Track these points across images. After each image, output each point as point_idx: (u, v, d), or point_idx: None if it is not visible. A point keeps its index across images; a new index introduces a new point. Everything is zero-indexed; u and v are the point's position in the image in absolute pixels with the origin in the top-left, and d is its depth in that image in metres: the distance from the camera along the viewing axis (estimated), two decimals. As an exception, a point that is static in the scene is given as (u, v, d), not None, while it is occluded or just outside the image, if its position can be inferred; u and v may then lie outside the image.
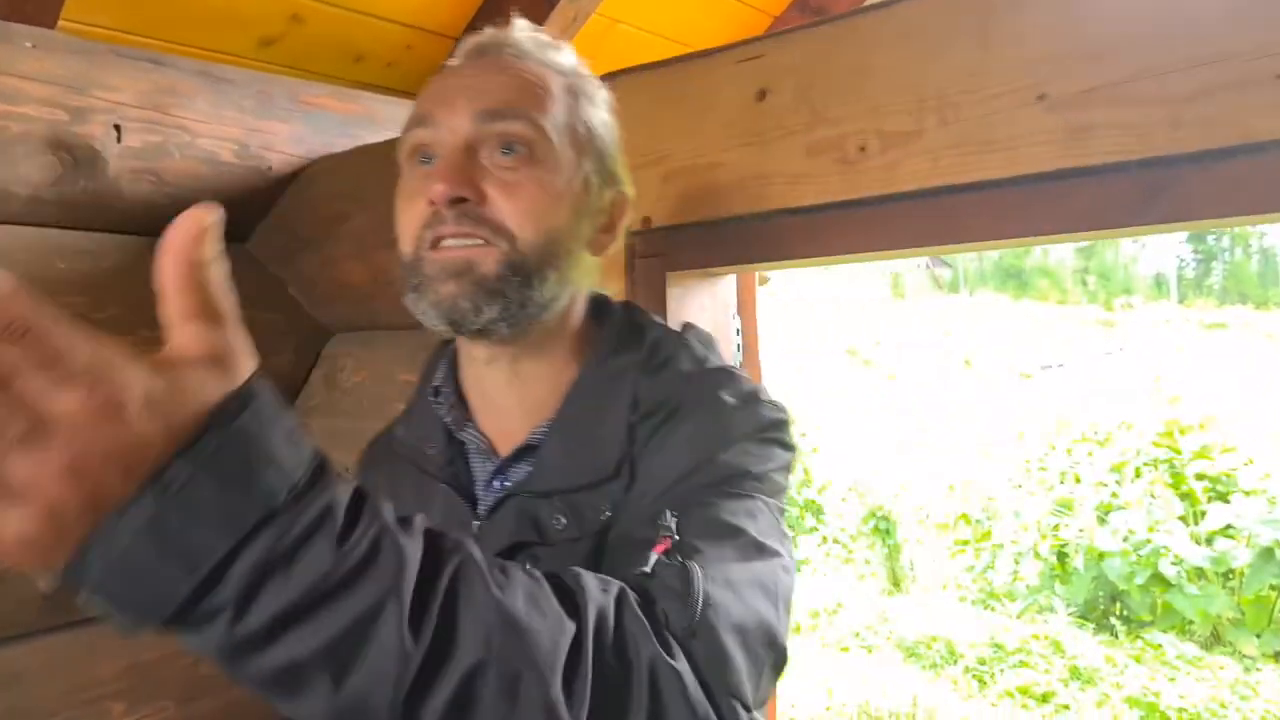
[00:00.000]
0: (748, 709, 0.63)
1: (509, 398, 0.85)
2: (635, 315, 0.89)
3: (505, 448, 0.85)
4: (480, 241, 0.76)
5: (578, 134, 0.82)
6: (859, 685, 4.61)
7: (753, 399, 0.80)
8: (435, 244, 0.77)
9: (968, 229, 1.00)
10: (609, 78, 1.41)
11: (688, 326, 0.92)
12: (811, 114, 1.12)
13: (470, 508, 0.84)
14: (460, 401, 0.88)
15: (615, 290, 1.32)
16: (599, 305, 0.90)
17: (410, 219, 0.80)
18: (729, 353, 1.39)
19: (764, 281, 2.67)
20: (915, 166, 1.04)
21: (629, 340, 0.85)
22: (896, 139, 1.05)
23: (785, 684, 4.74)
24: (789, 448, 0.80)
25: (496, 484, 0.85)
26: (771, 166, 1.15)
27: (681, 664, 0.58)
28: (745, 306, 1.44)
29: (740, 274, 1.38)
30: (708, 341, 0.89)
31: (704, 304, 1.34)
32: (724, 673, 0.61)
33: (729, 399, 0.78)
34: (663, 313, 1.27)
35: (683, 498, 0.71)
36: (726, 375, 0.83)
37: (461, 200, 0.75)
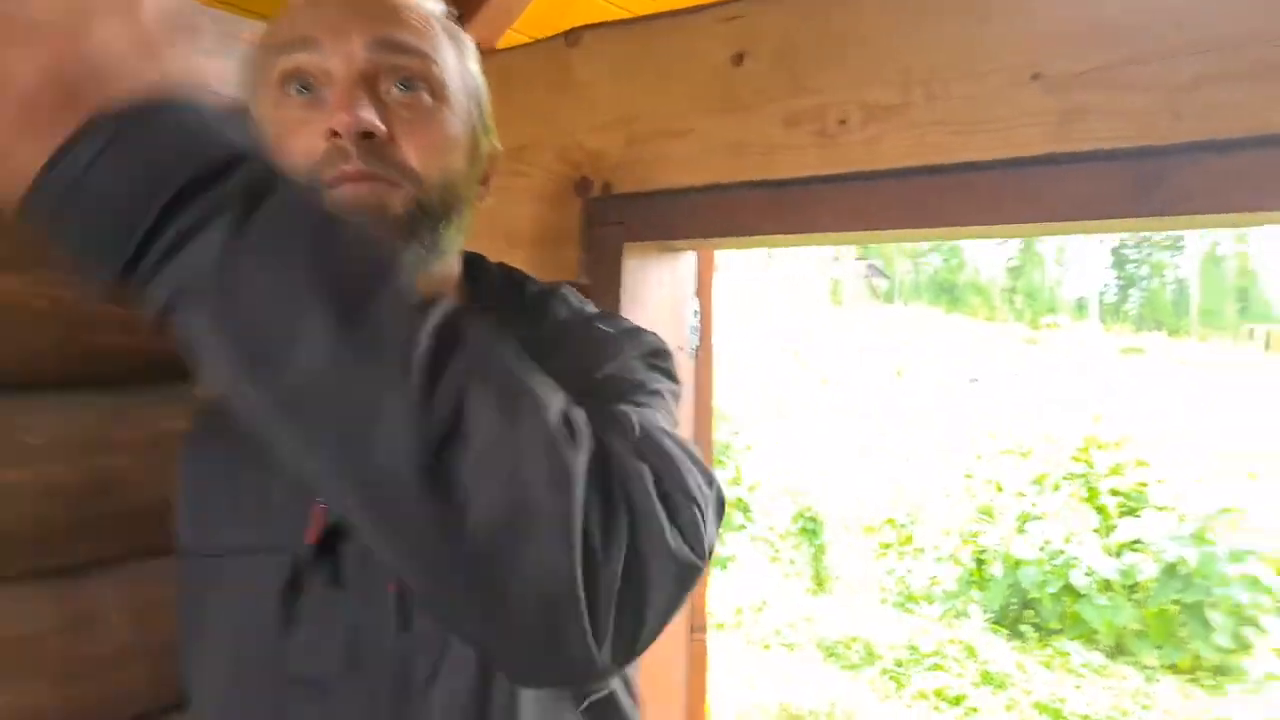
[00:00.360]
0: (703, 535, 0.57)
1: None
2: (512, 273, 0.86)
3: None
4: (388, 182, 0.69)
5: (465, 79, 0.77)
6: (780, 684, 4.61)
7: (634, 330, 0.77)
8: (336, 182, 0.68)
9: (951, 212, 0.94)
10: (573, 34, 1.33)
11: (561, 285, 0.86)
12: (791, 81, 1.05)
13: None
14: None
15: (569, 259, 1.24)
16: (472, 262, 0.84)
17: (298, 152, 0.70)
18: (684, 335, 1.32)
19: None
20: (898, 143, 0.98)
21: (507, 296, 0.81)
22: (880, 113, 0.99)
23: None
24: (675, 380, 0.75)
25: None
26: (745, 135, 1.08)
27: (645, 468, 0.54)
28: (704, 288, 1.37)
29: (701, 251, 1.31)
30: (584, 299, 0.85)
31: (662, 279, 1.26)
32: (682, 482, 0.56)
33: (608, 329, 0.76)
34: (617, 286, 1.19)
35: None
36: (604, 315, 0.81)
37: (369, 135, 0.68)
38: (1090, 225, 0.89)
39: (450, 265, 0.79)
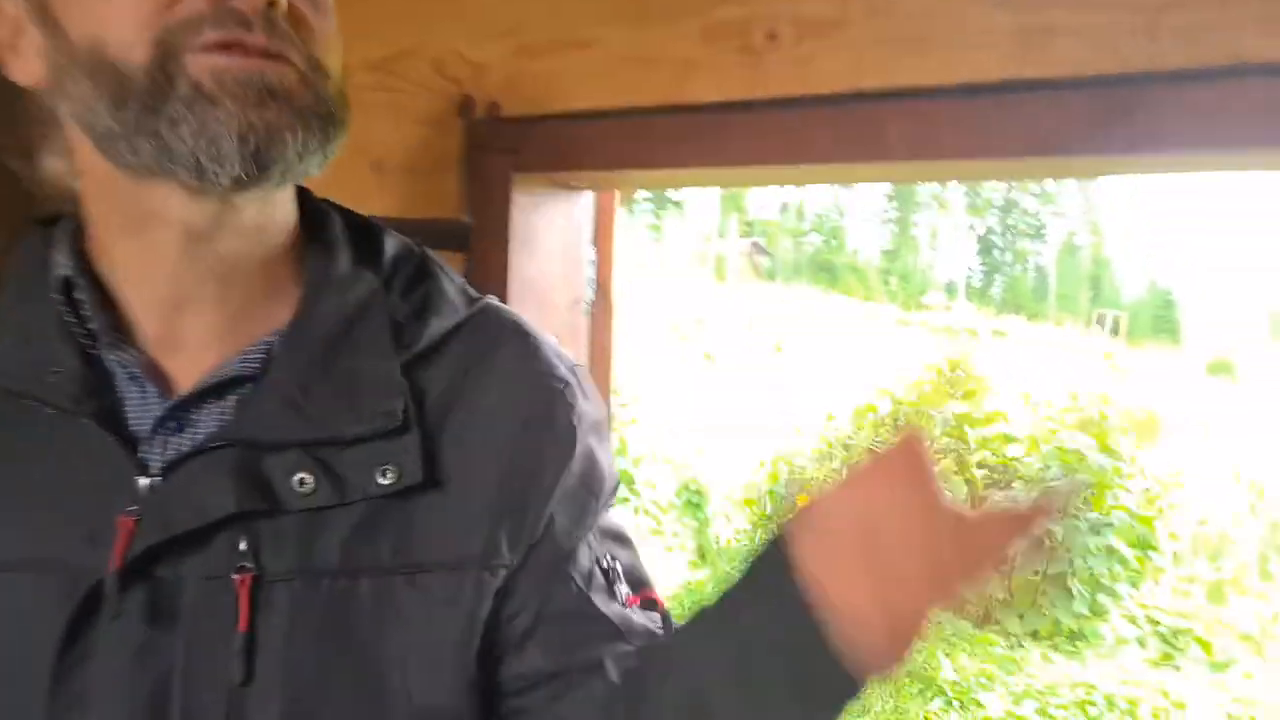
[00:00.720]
0: None
1: (203, 305, 0.58)
2: (354, 217, 0.67)
3: (185, 378, 0.58)
4: (292, 66, 0.54)
5: None
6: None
7: (574, 370, 0.66)
8: (217, 50, 0.52)
9: (892, 143, 0.82)
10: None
11: (436, 258, 0.69)
12: (712, -12, 0.91)
13: (130, 459, 0.56)
14: (104, 306, 0.59)
15: (447, 193, 1.06)
16: (315, 211, 0.65)
17: (145, 9, 0.52)
18: (579, 286, 1.16)
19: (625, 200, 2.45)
20: (834, 63, 0.85)
21: (361, 248, 0.64)
22: (814, 28, 0.86)
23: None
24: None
25: (175, 429, 0.58)
26: (657, 50, 0.93)
27: None
28: (603, 234, 1.22)
29: (600, 191, 1.15)
30: (464, 283, 0.69)
31: (555, 222, 1.10)
32: None
33: (557, 369, 0.65)
34: (505, 227, 1.03)
35: (570, 509, 0.63)
36: (518, 327, 0.67)
37: (272, 6, 0.52)
38: (1048, 164, 0.79)
39: (286, 208, 0.61)
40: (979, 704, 4.27)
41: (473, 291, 0.67)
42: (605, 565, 0.64)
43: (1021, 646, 5.13)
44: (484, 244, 1.02)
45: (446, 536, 0.59)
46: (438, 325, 0.61)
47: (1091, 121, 0.75)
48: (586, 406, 0.65)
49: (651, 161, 0.93)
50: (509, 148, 1.00)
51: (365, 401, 0.58)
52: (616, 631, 0.62)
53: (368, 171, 1.08)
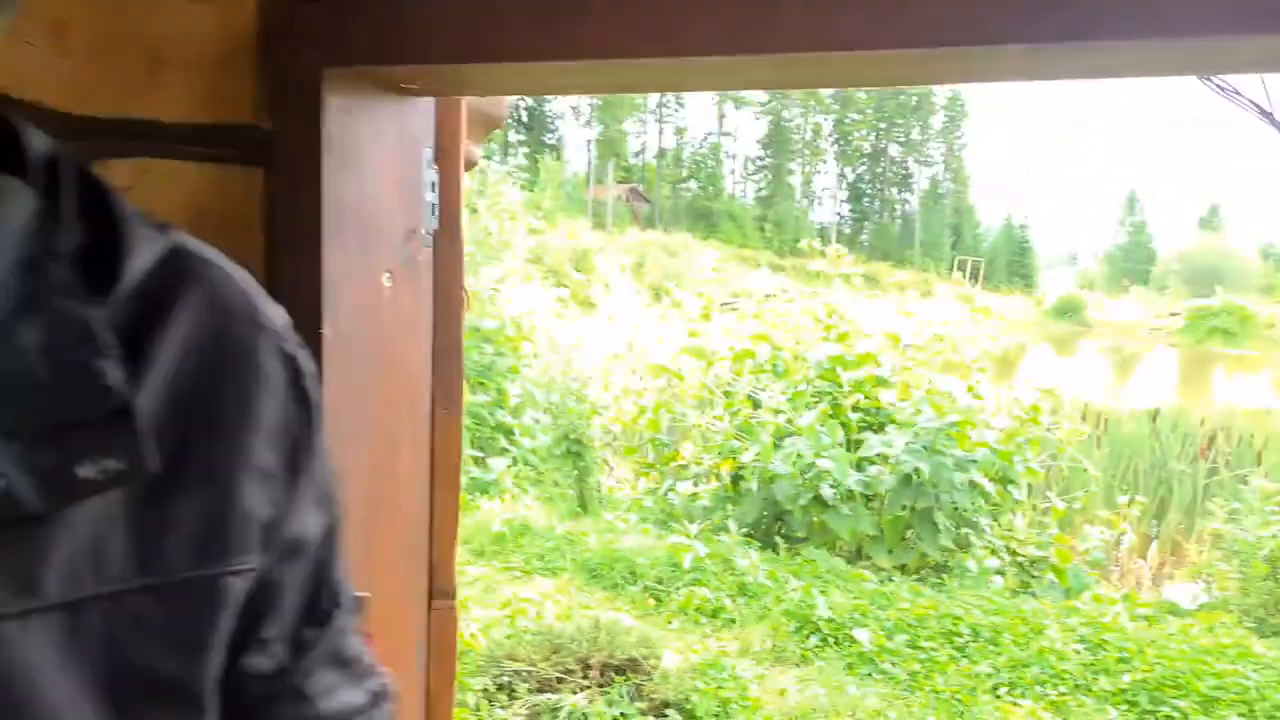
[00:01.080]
0: None
1: None
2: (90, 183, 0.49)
3: None
4: None
5: None
6: (543, 609, 4.46)
7: (288, 329, 0.54)
8: None
9: (785, 30, 0.67)
10: None
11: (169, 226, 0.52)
12: None
13: None
14: None
15: (240, 93, 0.85)
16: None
17: None
18: (418, 215, 0.98)
19: (471, 165, 2.24)
20: (717, -69, 0.69)
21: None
22: (692, -114, 0.70)
23: (468, 612, 4.46)
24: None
25: None
26: (499, -88, 0.75)
27: None
28: (447, 154, 1.03)
29: (436, 95, 0.96)
30: (203, 250, 0.52)
31: (383, 133, 0.91)
32: None
33: (264, 316, 0.51)
34: (316, 138, 0.83)
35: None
36: (220, 268, 0.51)
37: None
38: (967, 59, 0.66)
39: None
40: (853, 640, 4.37)
41: (157, 217, 0.50)
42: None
43: (891, 581, 5.30)
44: (290, 158, 0.82)
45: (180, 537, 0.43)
46: (138, 261, 0.44)
47: (1018, 3, 0.62)
48: (305, 361, 0.53)
49: (495, 53, 0.75)
50: (318, 34, 0.80)
51: (62, 371, 0.40)
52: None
53: (140, 63, 0.85)
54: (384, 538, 0.92)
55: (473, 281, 8.27)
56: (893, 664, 4.15)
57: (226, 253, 0.52)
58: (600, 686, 3.60)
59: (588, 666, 3.61)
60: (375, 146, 0.90)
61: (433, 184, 0.95)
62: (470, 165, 2.23)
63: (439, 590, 1.09)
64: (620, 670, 3.64)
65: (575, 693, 3.53)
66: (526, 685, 3.60)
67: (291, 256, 0.80)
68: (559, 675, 3.62)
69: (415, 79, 0.87)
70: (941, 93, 77.28)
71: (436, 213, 0.96)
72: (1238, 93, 1.36)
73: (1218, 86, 1.35)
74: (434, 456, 0.97)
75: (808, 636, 4.47)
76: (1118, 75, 0.69)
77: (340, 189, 0.84)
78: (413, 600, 1.05)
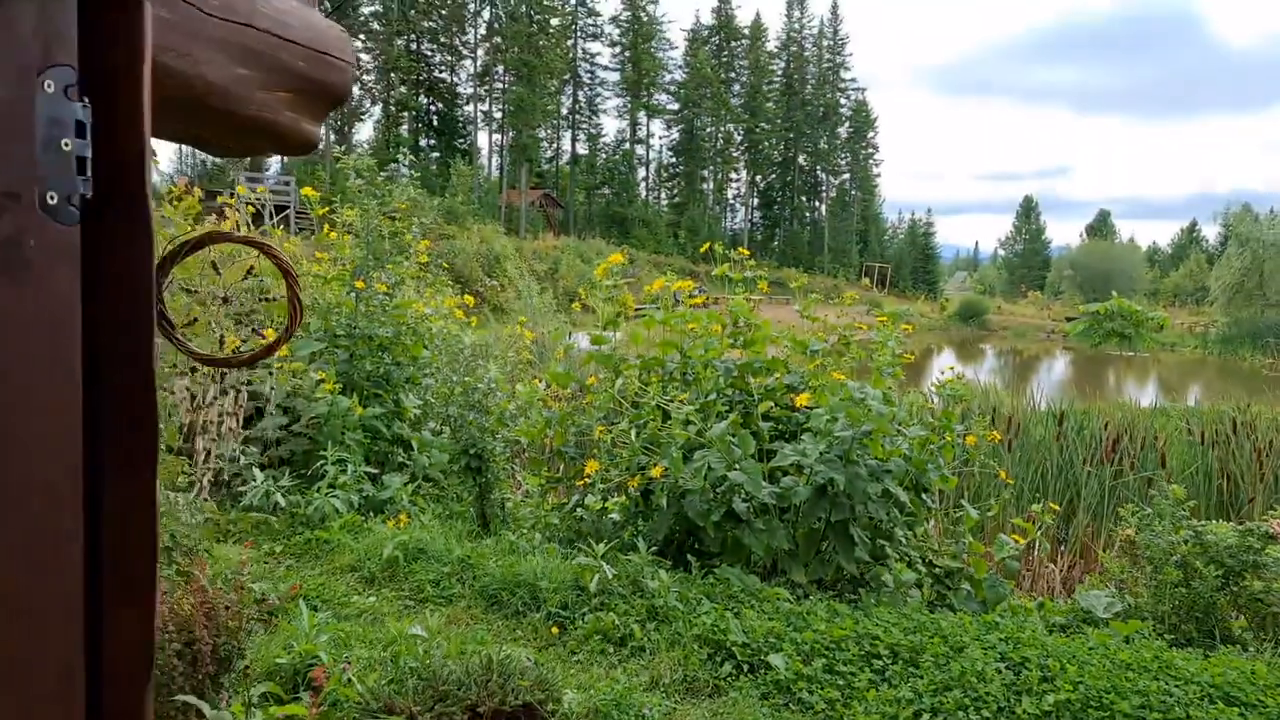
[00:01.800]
0: None
1: None
2: None
3: None
4: None
5: None
6: (431, 646, 4.04)
7: None
8: None
9: None
10: None
11: None
12: None
13: None
14: None
15: None
16: None
17: None
18: (31, 166, 0.62)
19: (311, 146, 1.88)
20: None
21: None
22: None
23: (350, 650, 3.98)
24: None
25: None
26: None
27: None
28: (122, 81, 0.67)
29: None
30: None
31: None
32: None
33: None
34: None
35: None
36: None
37: None
38: None
39: None
40: (769, 666, 4.10)
41: None
42: None
43: (808, 598, 5.07)
44: None
45: None
46: None
47: None
48: None
49: None
50: None
51: None
52: None
53: None
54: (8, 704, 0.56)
55: (364, 285, 7.75)
56: (810, 692, 3.90)
57: None
58: (490, 739, 3.23)
59: (476, 716, 3.22)
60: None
61: (80, 125, 0.59)
62: (310, 146, 1.79)
63: None
64: (513, 719, 3.27)
65: (461, 748, 3.15)
66: (406, 741, 3.20)
67: None
68: (443, 728, 3.23)
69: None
70: (847, 104, 79.03)
71: (90, 170, 0.60)
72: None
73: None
74: (105, 556, 0.60)
75: (721, 664, 4.19)
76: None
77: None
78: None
